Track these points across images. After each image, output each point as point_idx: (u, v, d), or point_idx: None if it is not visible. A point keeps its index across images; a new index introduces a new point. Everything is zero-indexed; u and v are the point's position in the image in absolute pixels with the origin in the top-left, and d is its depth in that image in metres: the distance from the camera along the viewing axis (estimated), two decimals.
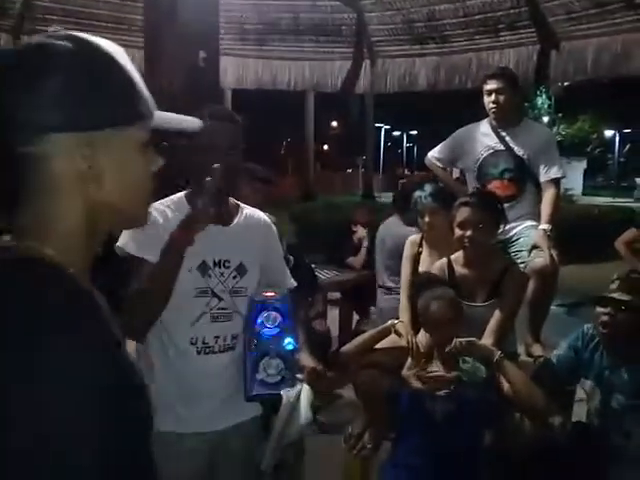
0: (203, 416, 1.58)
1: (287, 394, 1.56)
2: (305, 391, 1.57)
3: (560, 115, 23.83)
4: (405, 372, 2.10)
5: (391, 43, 5.78)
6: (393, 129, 38.69)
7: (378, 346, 2.37)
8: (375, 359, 2.30)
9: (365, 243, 4.90)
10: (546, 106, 22.18)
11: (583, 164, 27.78)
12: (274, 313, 1.55)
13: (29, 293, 0.70)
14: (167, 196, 1.65)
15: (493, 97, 3.02)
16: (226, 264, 1.61)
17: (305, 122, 16.70)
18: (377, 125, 28.29)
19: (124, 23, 5.42)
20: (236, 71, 6.01)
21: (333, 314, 4.65)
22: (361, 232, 4.99)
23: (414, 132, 39.79)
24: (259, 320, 1.55)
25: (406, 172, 34.35)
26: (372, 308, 4.99)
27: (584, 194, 23.84)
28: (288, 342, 1.55)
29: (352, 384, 2.45)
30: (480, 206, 2.32)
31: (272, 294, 1.58)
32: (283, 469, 1.85)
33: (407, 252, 2.76)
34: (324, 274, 4.57)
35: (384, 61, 5.81)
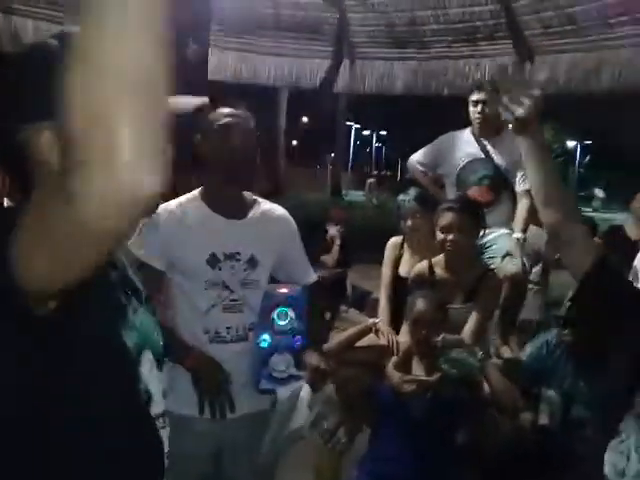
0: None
1: (282, 393, 1.59)
2: (305, 391, 1.60)
3: None
4: (390, 369, 2.16)
5: (371, 45, 5.84)
6: (363, 128, 38.91)
7: (358, 344, 2.43)
8: (356, 357, 2.35)
9: (338, 241, 4.98)
10: None
11: None
12: (287, 310, 1.58)
13: None
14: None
15: (479, 108, 3.11)
16: (237, 257, 1.65)
17: (277, 117, 16.56)
18: (347, 123, 28.36)
19: None
20: (215, 62, 5.97)
21: None
22: (333, 230, 5.05)
23: (383, 132, 40.11)
24: (272, 316, 1.58)
25: (374, 171, 34.61)
26: (342, 306, 5.07)
27: None
28: (298, 339, 1.58)
29: (332, 380, 2.51)
30: (463, 211, 2.39)
31: (286, 290, 1.61)
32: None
33: (388, 254, 2.82)
34: None
35: (363, 62, 5.86)
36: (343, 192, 22.63)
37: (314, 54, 6.02)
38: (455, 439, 2.10)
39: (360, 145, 40.66)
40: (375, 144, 41.98)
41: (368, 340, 2.48)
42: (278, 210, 1.81)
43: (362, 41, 5.76)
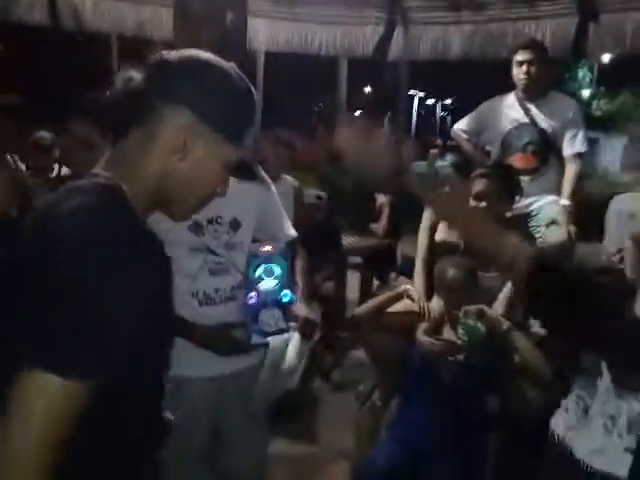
0: (207, 361, 1.67)
1: (274, 341, 1.66)
2: (295, 339, 1.68)
3: (602, 89, 23.04)
4: (419, 334, 2.17)
5: (425, 9, 5.68)
6: (427, 97, 37.93)
7: (390, 310, 2.45)
8: (387, 322, 2.38)
9: (386, 210, 4.93)
10: (587, 79, 21.47)
11: (623, 140, 26.95)
12: (272, 266, 1.64)
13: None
14: None
15: (524, 68, 2.98)
16: (218, 220, 1.69)
17: (338, 87, 16.50)
18: (410, 93, 27.78)
19: None
20: (268, 33, 5.99)
21: (355, 278, 4.74)
22: (382, 199, 5.00)
23: (448, 101, 39.00)
24: (257, 274, 1.64)
25: (438, 141, 33.82)
26: (392, 274, 5.06)
27: (623, 170, 23.10)
28: (285, 294, 1.65)
29: (364, 345, 2.55)
30: (495, 178, 2.34)
31: (270, 248, 1.67)
32: (283, 416, 1.98)
33: (425, 221, 2.80)
34: (346, 239, 4.64)
35: (417, 27, 5.72)
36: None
37: (367, 21, 5.94)
38: (483, 407, 2.10)
39: (424, 114, 39.73)
40: (440, 113, 40.93)
41: (403, 306, 2.50)
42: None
43: (415, 5, 5.62)
